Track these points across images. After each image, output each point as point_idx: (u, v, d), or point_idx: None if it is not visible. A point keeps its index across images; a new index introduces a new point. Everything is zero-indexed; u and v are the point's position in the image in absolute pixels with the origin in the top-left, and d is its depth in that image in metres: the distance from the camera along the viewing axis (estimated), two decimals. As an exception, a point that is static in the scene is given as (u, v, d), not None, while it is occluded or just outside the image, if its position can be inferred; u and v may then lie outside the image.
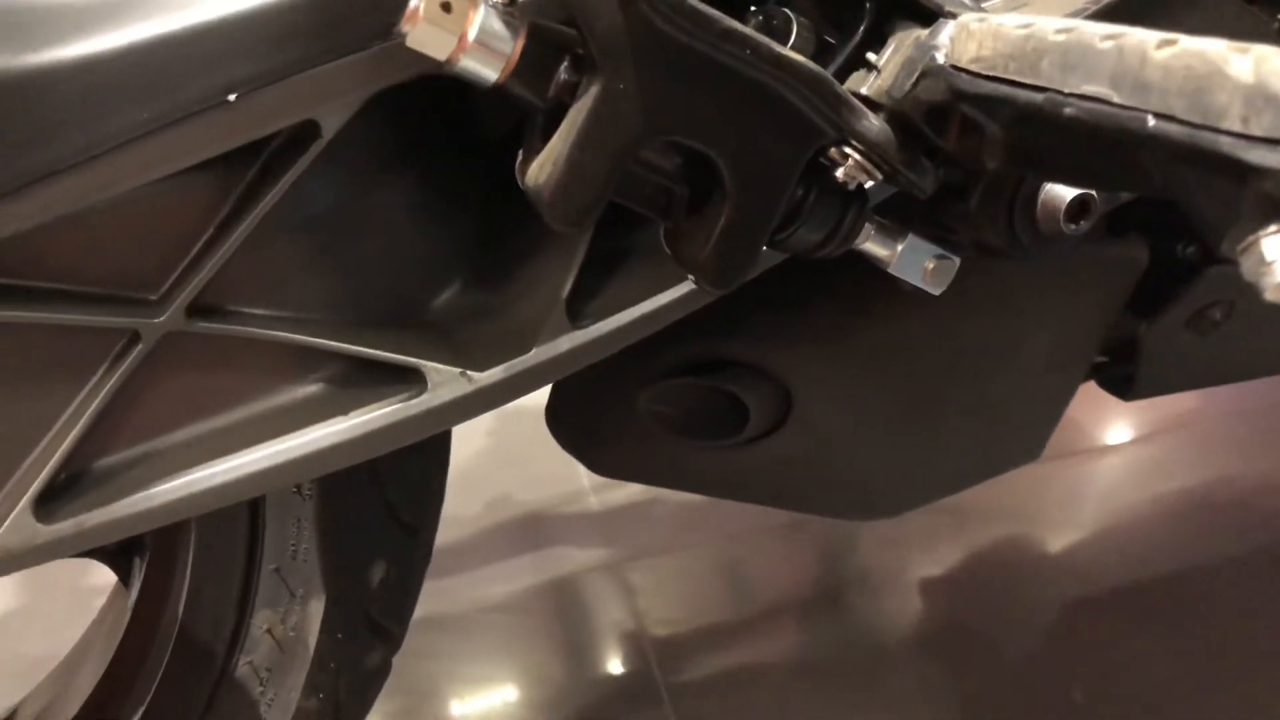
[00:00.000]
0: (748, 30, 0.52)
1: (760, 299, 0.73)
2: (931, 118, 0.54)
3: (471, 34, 0.51)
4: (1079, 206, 0.62)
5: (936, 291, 0.65)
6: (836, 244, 0.61)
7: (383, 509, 0.85)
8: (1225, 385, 1.05)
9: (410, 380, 0.67)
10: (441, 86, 0.55)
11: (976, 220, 0.63)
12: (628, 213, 0.59)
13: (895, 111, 0.55)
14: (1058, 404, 0.95)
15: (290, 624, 0.85)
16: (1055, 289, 0.87)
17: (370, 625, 0.88)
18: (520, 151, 0.57)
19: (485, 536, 1.58)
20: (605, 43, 0.50)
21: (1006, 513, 1.53)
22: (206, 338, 0.63)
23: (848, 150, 0.56)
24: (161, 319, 0.61)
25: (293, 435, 0.66)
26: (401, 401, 0.67)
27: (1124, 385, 0.98)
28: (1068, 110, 0.43)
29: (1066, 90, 0.43)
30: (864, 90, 0.56)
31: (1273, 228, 0.36)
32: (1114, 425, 1.72)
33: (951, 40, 0.52)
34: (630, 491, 1.58)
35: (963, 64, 0.50)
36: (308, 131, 0.57)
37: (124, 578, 0.89)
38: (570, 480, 1.62)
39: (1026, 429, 0.96)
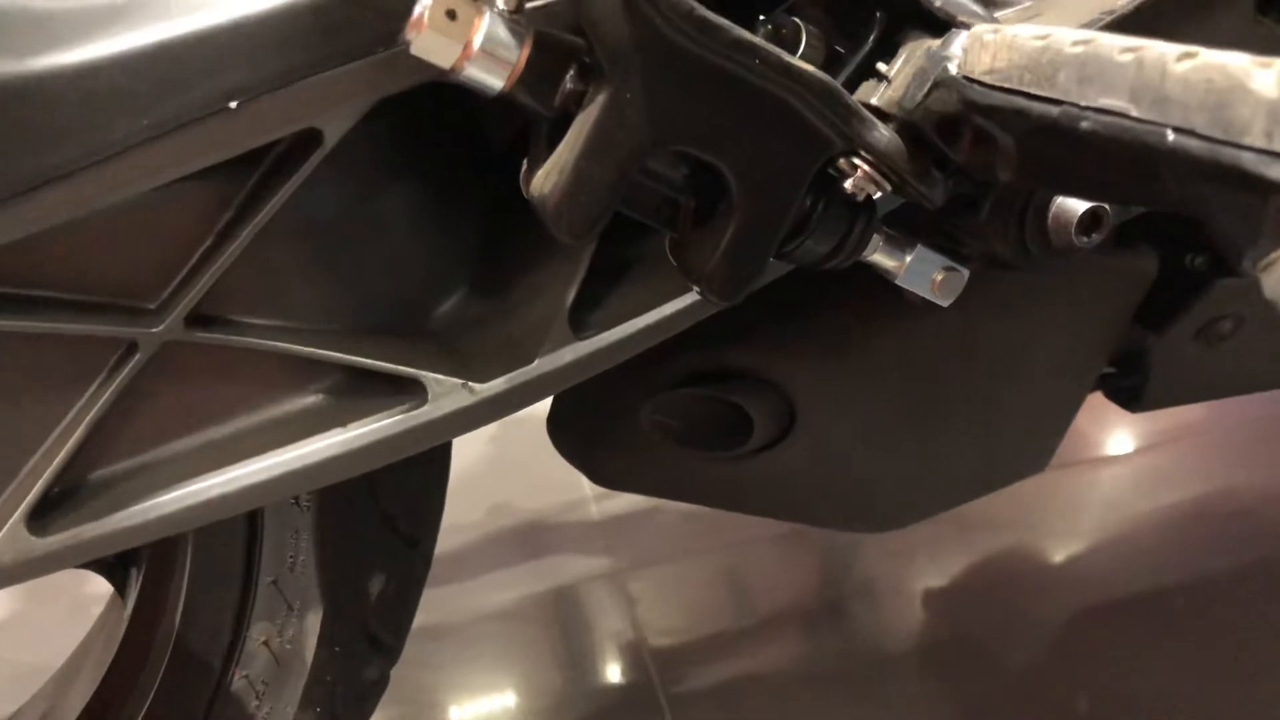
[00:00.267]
0: (757, 39, 0.51)
1: (765, 309, 0.72)
2: (943, 129, 0.53)
3: (477, 42, 0.50)
4: (1091, 219, 0.61)
5: (945, 303, 0.64)
6: (844, 256, 0.60)
7: (381, 520, 0.84)
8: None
9: (411, 391, 0.66)
10: (444, 92, 0.54)
11: (986, 232, 0.62)
12: (632, 221, 0.58)
13: (906, 122, 0.54)
14: (1064, 415, 0.94)
15: (288, 637, 0.84)
16: (1063, 299, 0.86)
17: (368, 638, 0.87)
18: (525, 160, 0.56)
19: (485, 544, 1.57)
20: (612, 51, 0.49)
21: (1010, 522, 1.52)
22: (205, 347, 0.62)
23: (857, 161, 0.55)
24: (160, 329, 0.60)
25: (292, 447, 0.65)
26: (402, 413, 0.66)
27: (1131, 396, 0.98)
28: (1085, 124, 0.42)
29: (1084, 103, 0.42)
30: (874, 100, 0.56)
31: (1295, 245, 0.36)
32: (1117, 435, 1.71)
33: (964, 51, 0.51)
34: (631, 500, 1.58)
35: (976, 75, 0.49)
36: (310, 139, 0.57)
37: (120, 589, 0.88)
38: (571, 488, 1.62)
39: (1033, 440, 0.95)
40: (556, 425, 0.91)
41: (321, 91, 0.54)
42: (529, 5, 0.52)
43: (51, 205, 0.52)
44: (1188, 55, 0.39)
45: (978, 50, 0.49)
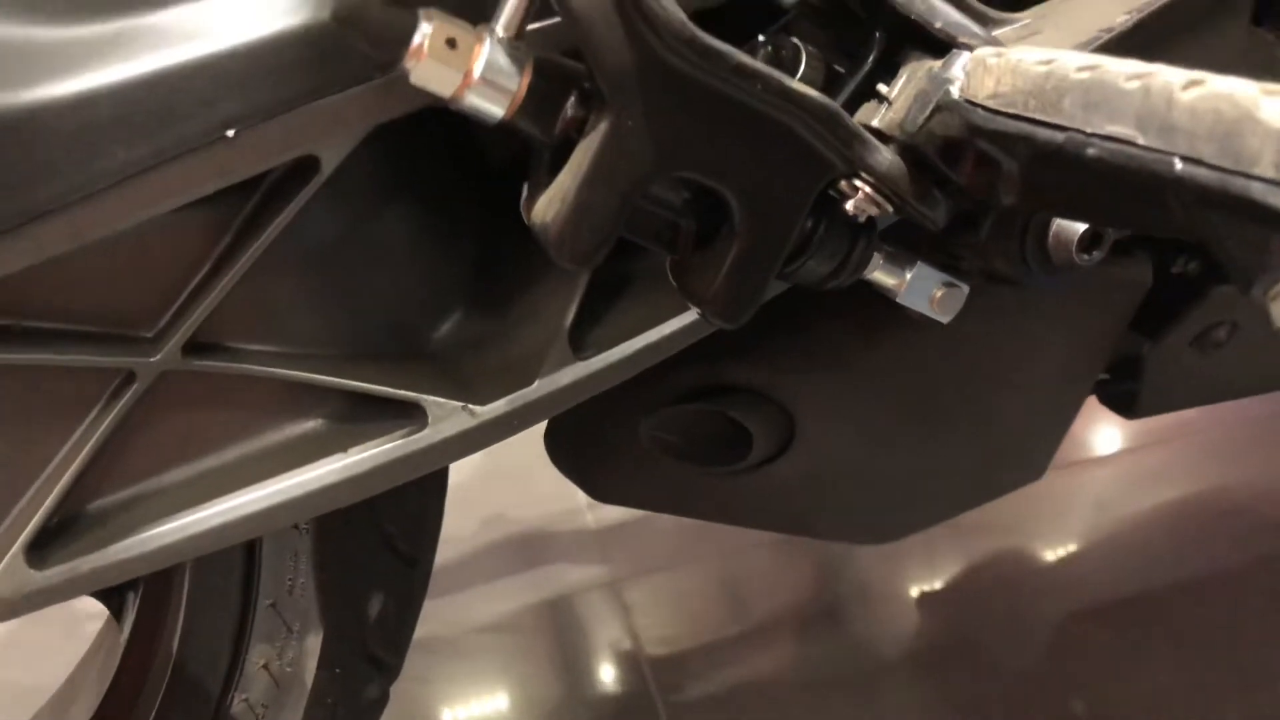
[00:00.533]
0: (759, 65, 0.51)
1: (763, 324, 0.72)
2: (945, 152, 0.53)
3: (477, 71, 0.49)
4: (1092, 237, 0.61)
5: (945, 320, 0.64)
6: (845, 275, 0.60)
7: (380, 541, 0.83)
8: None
9: (411, 415, 0.66)
10: (441, 112, 0.54)
11: (987, 250, 0.62)
12: (631, 240, 0.58)
13: (907, 145, 0.54)
14: (1061, 423, 0.95)
15: (287, 659, 0.84)
16: (1059, 309, 0.86)
17: (368, 658, 0.87)
18: (525, 186, 0.56)
19: (480, 555, 1.57)
20: (614, 78, 0.49)
21: (1004, 525, 1.52)
22: (203, 375, 0.62)
23: (858, 183, 0.55)
24: (157, 358, 0.59)
25: (292, 474, 0.64)
26: (402, 437, 0.65)
27: (1127, 402, 0.98)
28: (1090, 151, 0.42)
29: (1089, 130, 0.42)
30: (875, 122, 0.56)
31: (1306, 276, 0.36)
32: (1109, 435, 1.71)
33: (967, 74, 0.51)
34: (626, 509, 1.57)
35: (979, 99, 0.49)
36: (307, 166, 0.56)
37: (117, 613, 0.87)
38: (566, 498, 1.61)
39: (1030, 448, 0.95)
40: (554, 441, 0.90)
41: (318, 119, 0.54)
42: (529, 27, 0.52)
43: (48, 237, 0.52)
44: (1194, 83, 0.39)
45: (980, 74, 0.49)
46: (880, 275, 0.62)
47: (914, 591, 1.48)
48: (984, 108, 0.49)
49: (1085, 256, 0.62)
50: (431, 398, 0.65)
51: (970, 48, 0.54)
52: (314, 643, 0.83)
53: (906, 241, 0.63)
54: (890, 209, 0.56)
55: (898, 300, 0.63)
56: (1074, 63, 0.44)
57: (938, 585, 1.48)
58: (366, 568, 0.84)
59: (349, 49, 0.51)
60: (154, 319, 0.60)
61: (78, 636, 1.07)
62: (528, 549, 1.58)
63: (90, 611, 0.95)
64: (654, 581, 1.52)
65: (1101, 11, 0.57)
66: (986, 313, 0.80)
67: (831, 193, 0.56)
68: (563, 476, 0.93)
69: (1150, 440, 1.69)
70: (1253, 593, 1.41)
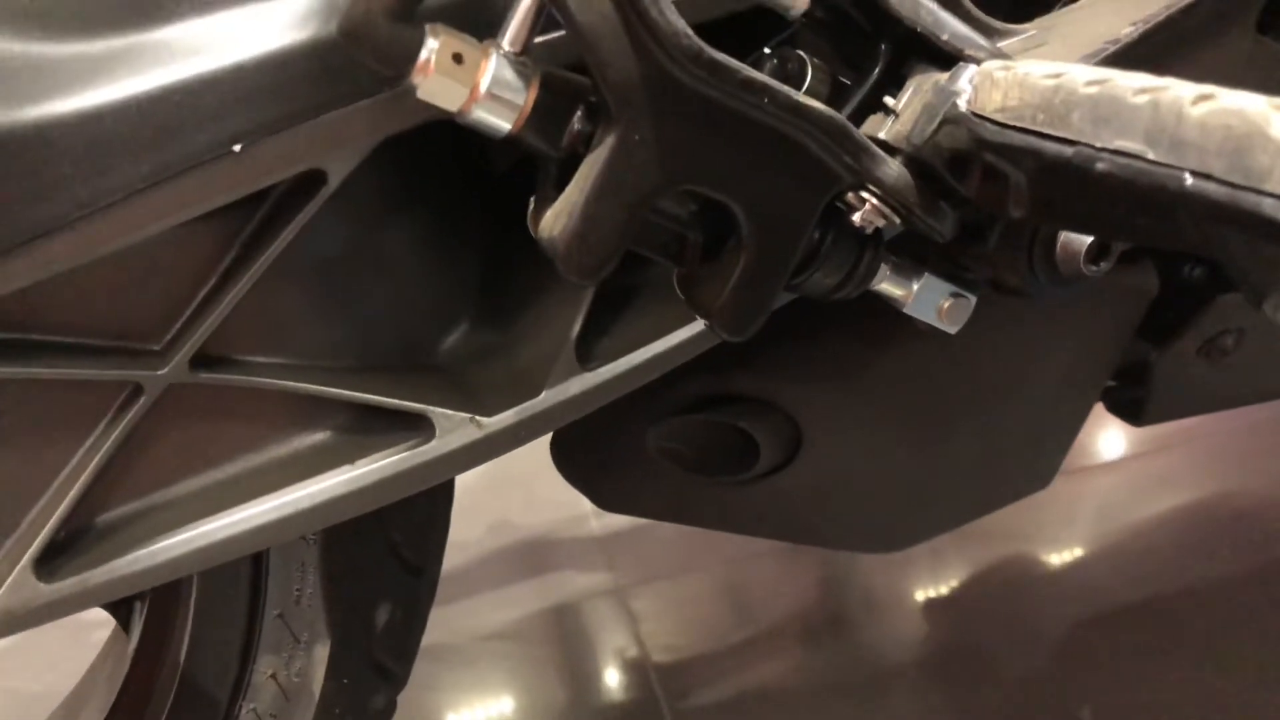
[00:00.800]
0: (766, 79, 0.51)
1: (771, 334, 0.72)
2: (952, 164, 0.53)
3: (484, 85, 0.49)
4: (1099, 249, 0.61)
5: (952, 330, 0.64)
6: (852, 287, 0.60)
7: (387, 550, 0.83)
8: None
9: (418, 427, 0.66)
10: (448, 125, 0.54)
11: (994, 261, 0.62)
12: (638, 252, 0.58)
13: (914, 157, 0.54)
14: (1068, 431, 0.94)
15: (295, 669, 0.84)
16: (1066, 317, 0.86)
17: (375, 667, 0.86)
18: (533, 200, 0.56)
19: (486, 562, 1.57)
20: (621, 93, 0.49)
21: (1009, 531, 1.52)
22: (211, 388, 0.62)
23: (865, 195, 0.55)
24: (165, 371, 0.59)
25: (300, 486, 0.64)
26: (409, 449, 0.65)
27: (1134, 410, 0.98)
28: (1099, 165, 0.42)
29: (1098, 145, 0.42)
30: (882, 135, 0.56)
31: (1318, 294, 0.35)
32: (1115, 441, 1.71)
33: (974, 88, 0.51)
34: (632, 517, 1.57)
35: (986, 113, 0.49)
36: (313, 179, 0.56)
37: (124, 623, 0.87)
38: (571, 505, 1.61)
39: (1038, 456, 0.95)
40: (561, 450, 0.90)
41: (325, 133, 0.54)
42: (535, 41, 0.52)
43: (56, 253, 0.52)
44: (1204, 98, 0.39)
45: (988, 88, 0.49)
46: (887, 286, 0.62)
47: (919, 598, 1.47)
48: (992, 121, 0.49)
49: (1093, 268, 0.61)
50: (439, 409, 0.65)
51: (976, 60, 0.54)
52: (321, 653, 0.83)
53: (914, 252, 0.63)
54: (897, 221, 0.56)
55: (905, 311, 0.63)
56: (1083, 77, 0.44)
57: (943, 592, 1.48)
58: (373, 577, 0.84)
59: (355, 64, 0.51)
60: (161, 332, 0.60)
61: (85, 645, 1.07)
62: (534, 556, 1.58)
63: (97, 620, 0.95)
64: (660, 589, 1.51)
65: (1107, 23, 0.57)
66: (993, 321, 0.80)
67: (838, 204, 0.56)
68: (568, 484, 0.93)
69: (1156, 446, 1.68)
70: (1259, 598, 1.40)
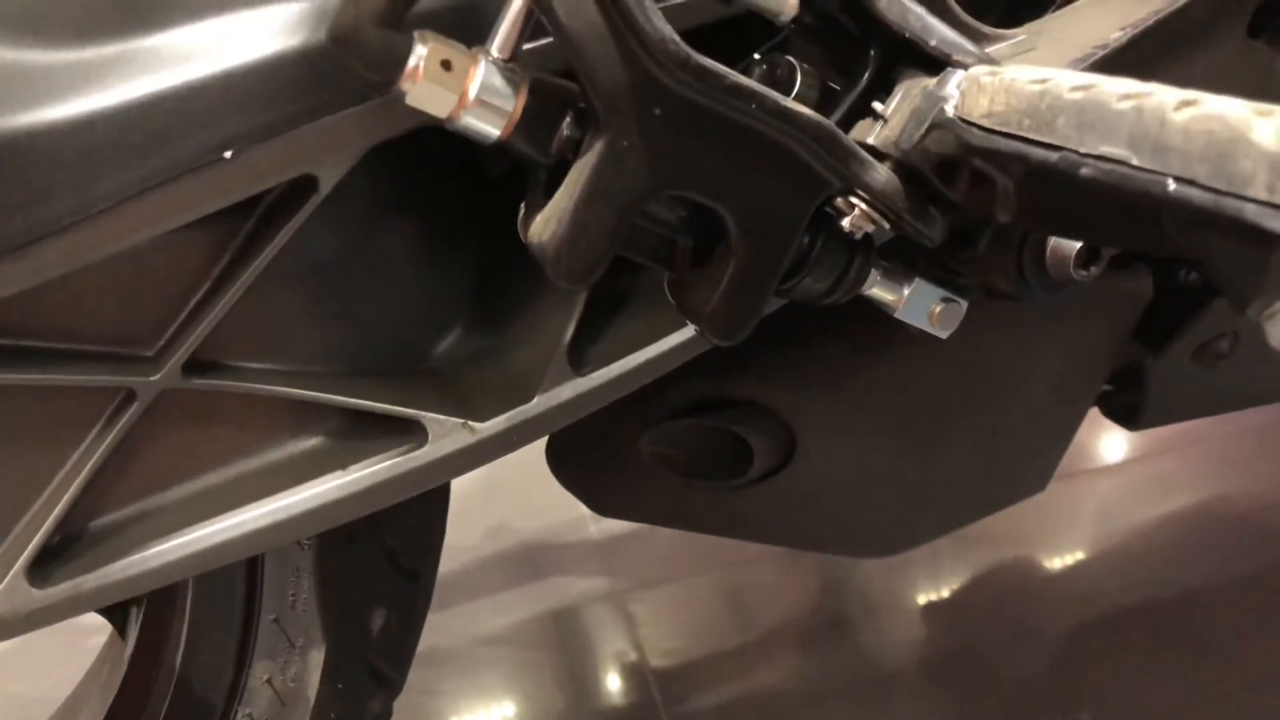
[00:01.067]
0: (753, 84, 0.51)
1: (763, 338, 0.72)
2: (941, 169, 0.53)
3: (472, 92, 0.50)
4: (1089, 253, 0.61)
5: (943, 335, 0.64)
6: (843, 292, 0.60)
7: (382, 555, 0.83)
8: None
9: (411, 432, 0.66)
10: (440, 131, 0.54)
11: (985, 266, 0.62)
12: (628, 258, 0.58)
13: (902, 162, 0.54)
14: (1063, 435, 0.94)
15: (290, 675, 0.84)
16: (1060, 322, 0.86)
17: (371, 672, 0.87)
18: (522, 206, 0.56)
19: (484, 567, 1.56)
20: (608, 99, 0.49)
21: (1008, 535, 1.52)
22: (203, 394, 0.62)
23: (854, 200, 0.55)
24: (157, 377, 0.59)
25: (292, 491, 0.65)
26: (402, 454, 0.66)
27: (1129, 414, 0.98)
28: (1084, 170, 0.42)
29: (1083, 150, 0.42)
30: (870, 140, 0.56)
31: (1301, 297, 0.35)
32: (1114, 445, 1.71)
33: (962, 93, 0.51)
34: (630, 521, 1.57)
35: (973, 118, 0.49)
36: (305, 185, 0.56)
37: (120, 628, 0.87)
38: (569, 509, 1.60)
39: (1033, 461, 0.95)
40: (556, 455, 0.90)
41: (316, 139, 0.54)
42: (524, 48, 0.52)
43: (48, 259, 0.52)
44: (1187, 103, 0.39)
45: (975, 93, 0.49)
46: (878, 291, 0.62)
47: (918, 603, 1.47)
48: (979, 126, 0.49)
49: (1083, 272, 0.62)
50: (431, 415, 0.65)
51: (965, 65, 0.54)
52: (317, 658, 0.83)
53: (904, 258, 0.63)
54: (886, 225, 0.56)
55: (896, 316, 0.63)
56: (1068, 82, 0.44)
57: (943, 595, 1.48)
58: (369, 582, 0.84)
59: (346, 70, 0.51)
60: (154, 338, 0.60)
61: (82, 649, 1.07)
62: (531, 561, 1.58)
63: (94, 625, 0.95)
64: (658, 593, 1.51)
65: (1096, 28, 0.57)
66: (987, 325, 0.80)
67: (828, 210, 0.56)
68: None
69: (1154, 450, 1.68)
70: (1258, 602, 1.40)
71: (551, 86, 0.51)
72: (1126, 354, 0.93)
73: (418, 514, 0.85)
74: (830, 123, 0.53)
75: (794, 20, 0.56)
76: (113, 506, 0.64)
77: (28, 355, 0.58)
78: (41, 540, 0.60)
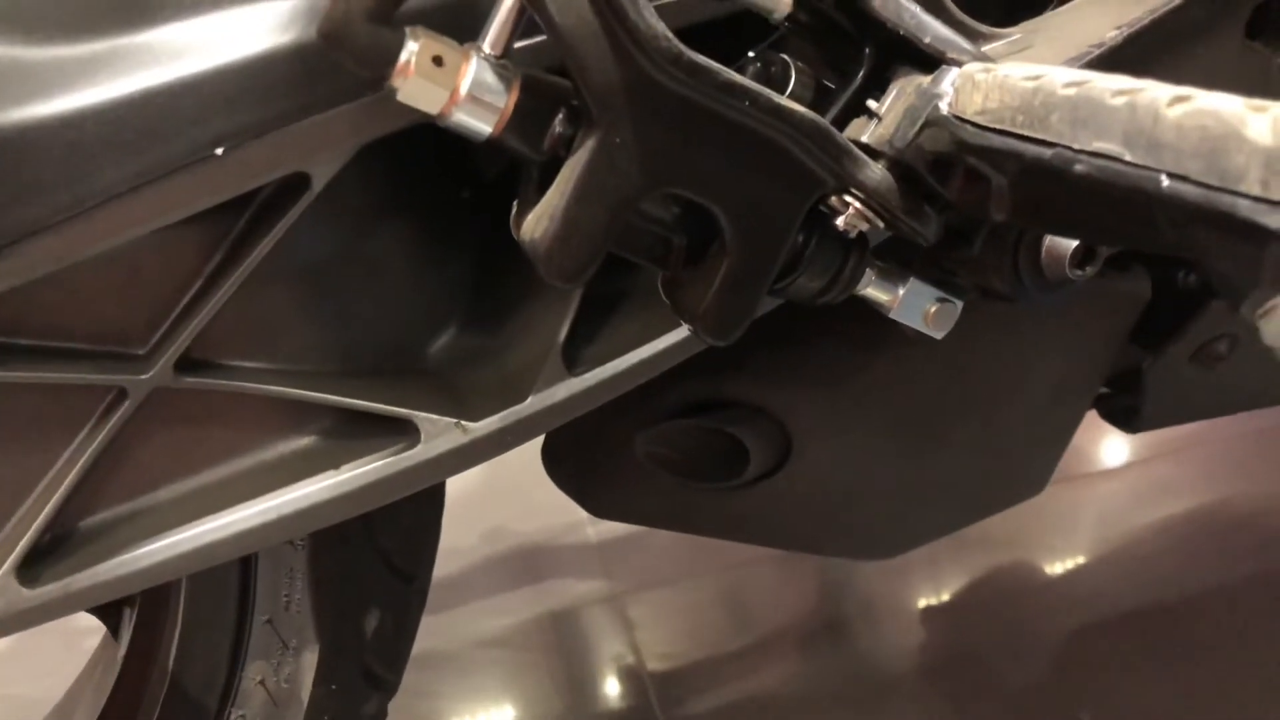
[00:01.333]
0: (747, 81, 0.51)
1: (759, 339, 0.72)
2: (935, 167, 0.53)
3: (464, 88, 0.49)
4: (1085, 252, 0.61)
5: (939, 336, 0.64)
6: (837, 291, 0.60)
7: (376, 557, 0.83)
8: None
9: (404, 431, 0.65)
10: (431, 127, 0.54)
11: (980, 265, 0.61)
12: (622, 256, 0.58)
13: (896, 160, 0.54)
14: (1061, 437, 0.94)
15: (284, 675, 0.83)
16: (1058, 324, 0.86)
17: (365, 674, 0.86)
18: (515, 203, 0.56)
19: (481, 569, 1.56)
20: (601, 96, 0.49)
21: (1007, 539, 1.52)
22: (195, 393, 0.62)
23: (848, 199, 0.55)
24: (148, 375, 0.59)
25: (284, 490, 0.64)
26: (395, 454, 0.65)
27: (1127, 417, 0.97)
28: (1078, 167, 0.42)
29: (1077, 146, 0.42)
30: (864, 138, 0.55)
31: (1294, 294, 0.35)
32: (1114, 449, 1.71)
33: (956, 90, 0.51)
34: (627, 524, 1.57)
35: (967, 115, 0.49)
36: (297, 183, 0.56)
37: (113, 629, 0.87)
38: (566, 511, 1.60)
39: (1031, 463, 0.95)
40: (551, 456, 0.90)
41: (308, 136, 0.54)
42: (517, 45, 0.52)
43: (37, 257, 0.52)
44: (1181, 99, 0.39)
45: (969, 90, 0.49)
46: (873, 291, 0.62)
47: (918, 606, 1.47)
48: (973, 124, 0.49)
49: (1079, 272, 0.61)
50: (424, 414, 0.65)
51: (959, 63, 0.53)
52: (310, 659, 0.83)
53: (900, 257, 0.62)
54: (881, 224, 0.56)
55: (891, 316, 0.63)
56: (1061, 79, 0.44)
57: (942, 599, 1.47)
58: (363, 584, 0.84)
59: (338, 67, 0.51)
60: (145, 336, 0.60)
61: (77, 651, 1.07)
62: (529, 563, 1.58)
63: (89, 626, 0.95)
64: (656, 596, 1.51)
65: (1092, 26, 0.57)
66: (984, 327, 0.80)
67: (822, 208, 0.56)
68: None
69: (1155, 453, 1.68)
70: (1258, 605, 1.40)
71: (544, 83, 0.51)
72: (1124, 356, 0.93)
73: (412, 515, 0.85)
74: (824, 120, 0.52)
75: (788, 18, 0.56)
76: (104, 505, 0.63)
77: (18, 353, 0.57)
78: (32, 539, 0.60)
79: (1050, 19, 0.62)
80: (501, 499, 1.62)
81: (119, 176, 0.51)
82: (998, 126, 0.47)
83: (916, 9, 0.55)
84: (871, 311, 0.63)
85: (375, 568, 0.84)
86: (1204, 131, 0.37)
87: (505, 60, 0.51)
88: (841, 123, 0.57)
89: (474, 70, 0.50)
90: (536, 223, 0.52)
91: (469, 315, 0.71)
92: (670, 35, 0.49)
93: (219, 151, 0.52)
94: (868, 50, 0.57)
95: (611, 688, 1.39)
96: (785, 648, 1.42)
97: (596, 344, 0.68)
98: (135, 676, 0.85)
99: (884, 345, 0.82)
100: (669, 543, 1.56)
